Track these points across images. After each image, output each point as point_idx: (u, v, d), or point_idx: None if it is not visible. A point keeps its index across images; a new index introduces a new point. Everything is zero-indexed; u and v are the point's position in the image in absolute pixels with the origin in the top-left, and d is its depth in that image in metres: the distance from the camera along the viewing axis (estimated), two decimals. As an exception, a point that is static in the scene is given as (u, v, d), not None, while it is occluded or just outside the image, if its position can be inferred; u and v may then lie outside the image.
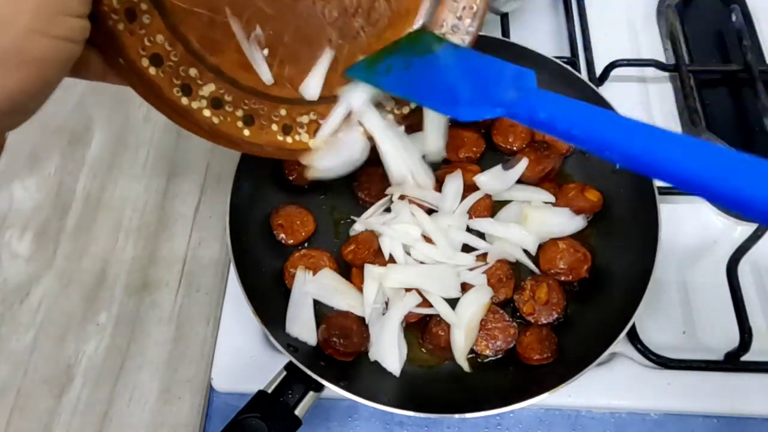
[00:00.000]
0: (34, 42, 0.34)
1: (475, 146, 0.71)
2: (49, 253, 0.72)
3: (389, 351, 0.59)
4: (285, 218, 0.67)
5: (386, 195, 0.68)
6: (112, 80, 0.45)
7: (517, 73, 0.43)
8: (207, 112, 0.48)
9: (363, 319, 0.62)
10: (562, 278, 0.64)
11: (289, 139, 0.52)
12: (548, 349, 0.59)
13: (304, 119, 0.52)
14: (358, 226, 0.67)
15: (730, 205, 0.32)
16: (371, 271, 0.62)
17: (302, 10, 0.48)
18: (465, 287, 0.63)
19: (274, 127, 0.51)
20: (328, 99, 0.52)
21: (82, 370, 0.66)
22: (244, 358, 0.64)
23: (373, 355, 0.60)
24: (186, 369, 0.65)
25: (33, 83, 0.35)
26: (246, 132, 0.50)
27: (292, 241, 0.66)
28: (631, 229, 0.63)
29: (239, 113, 0.50)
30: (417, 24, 0.51)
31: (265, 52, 0.48)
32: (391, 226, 0.65)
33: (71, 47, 0.37)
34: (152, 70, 0.45)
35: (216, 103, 0.48)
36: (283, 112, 0.51)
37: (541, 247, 0.65)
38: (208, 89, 0.48)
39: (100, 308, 0.69)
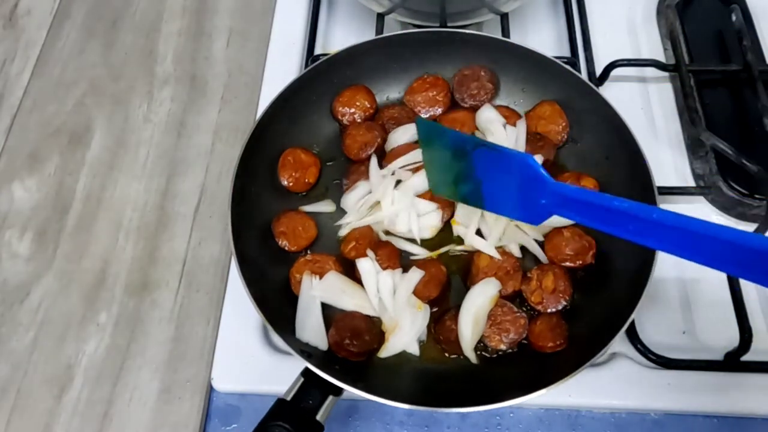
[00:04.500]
0: None
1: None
2: (49, 253, 0.72)
3: (407, 333, 0.60)
4: (287, 225, 0.66)
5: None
6: None
7: (530, 176, 0.52)
8: None
9: (369, 317, 0.62)
10: (569, 264, 0.63)
11: None
12: (560, 336, 0.59)
13: None
14: (345, 230, 0.67)
15: None
16: (363, 265, 0.62)
17: None
18: (473, 280, 0.63)
19: None
20: None
21: (82, 370, 0.66)
22: (244, 358, 0.64)
23: (397, 344, 0.60)
24: (186, 369, 0.65)
25: None
26: None
27: (294, 247, 0.66)
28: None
29: None
30: None
31: None
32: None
33: None
34: None
35: None
36: None
37: (545, 237, 0.66)
38: None
39: (100, 308, 0.69)
